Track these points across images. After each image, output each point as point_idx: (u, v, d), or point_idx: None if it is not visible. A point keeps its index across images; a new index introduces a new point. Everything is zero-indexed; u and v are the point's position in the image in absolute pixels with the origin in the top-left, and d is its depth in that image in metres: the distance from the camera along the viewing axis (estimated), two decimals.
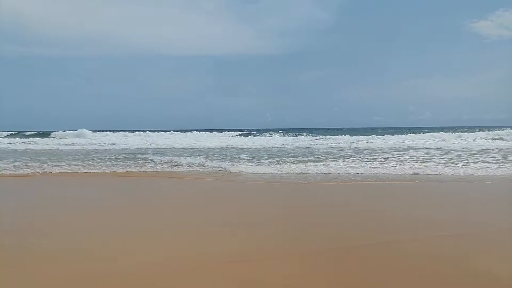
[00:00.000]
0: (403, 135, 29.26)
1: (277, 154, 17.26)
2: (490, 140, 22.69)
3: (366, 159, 13.41)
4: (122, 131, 42.87)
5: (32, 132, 46.47)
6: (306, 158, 14.21)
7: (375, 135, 30.00)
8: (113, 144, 27.10)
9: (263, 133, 42.95)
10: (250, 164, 12.63)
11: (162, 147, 24.17)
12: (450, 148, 19.07)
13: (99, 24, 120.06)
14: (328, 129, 67.39)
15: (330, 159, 13.55)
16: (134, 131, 43.60)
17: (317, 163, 12.13)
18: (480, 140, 23.22)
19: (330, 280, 3.25)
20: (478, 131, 30.76)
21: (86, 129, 39.31)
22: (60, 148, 23.30)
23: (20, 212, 6.21)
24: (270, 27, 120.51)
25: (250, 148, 22.36)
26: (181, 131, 46.73)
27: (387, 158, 13.93)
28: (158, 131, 45.26)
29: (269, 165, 12.15)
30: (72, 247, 4.24)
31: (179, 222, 5.52)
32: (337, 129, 67.53)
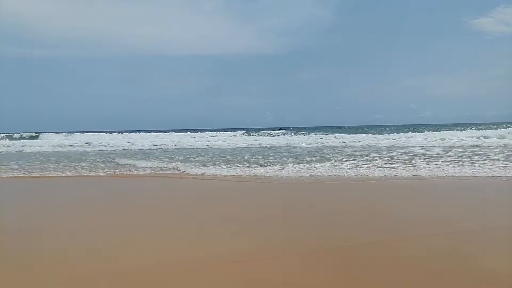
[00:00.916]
0: (407, 133, 29.06)
1: (283, 154, 17.20)
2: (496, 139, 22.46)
3: (374, 159, 13.34)
4: (125, 131, 42.77)
5: (18, 134, 44.12)
6: (314, 158, 14.15)
7: (386, 134, 29.71)
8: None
9: (262, 132, 42.65)
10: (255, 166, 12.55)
11: (153, 147, 24.11)
12: (462, 146, 19.01)
13: (99, 25, 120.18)
14: (331, 127, 67.33)
15: (338, 159, 13.47)
16: (136, 131, 43.54)
17: (328, 163, 12.06)
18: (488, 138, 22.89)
19: (332, 278, 3.26)
20: (485, 130, 30.64)
21: (87, 130, 39.26)
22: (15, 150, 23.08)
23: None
24: (270, 26, 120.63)
25: (253, 147, 22.31)
26: (180, 131, 46.48)
27: (393, 156, 13.87)
28: (158, 131, 45.13)
29: (273, 165, 12.07)
30: (67, 249, 4.25)
31: (179, 222, 5.53)
32: (339, 127, 67.53)
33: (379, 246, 4.09)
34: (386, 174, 9.69)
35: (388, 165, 11.14)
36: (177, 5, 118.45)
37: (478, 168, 10.16)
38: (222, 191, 8.50)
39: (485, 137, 22.71)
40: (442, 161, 11.86)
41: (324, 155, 15.46)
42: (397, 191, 8.06)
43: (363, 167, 10.82)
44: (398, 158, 13.34)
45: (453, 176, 9.26)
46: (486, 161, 11.55)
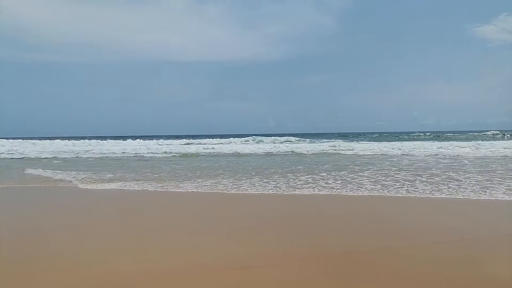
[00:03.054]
0: (424, 141, 28.63)
1: (295, 162, 16.97)
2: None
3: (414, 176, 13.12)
4: (132, 136, 42.52)
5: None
6: (328, 165, 13.95)
7: (392, 142, 29.46)
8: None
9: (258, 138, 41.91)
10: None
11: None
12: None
13: (100, 30, 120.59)
14: (338, 133, 67.21)
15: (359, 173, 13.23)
16: (138, 137, 43.40)
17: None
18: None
19: (326, 286, 3.23)
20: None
21: (86, 135, 38.72)
22: None
23: None
24: (273, 32, 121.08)
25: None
26: (180, 137, 46.21)
27: (416, 166, 13.70)
28: (157, 137, 44.86)
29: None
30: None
31: (173, 230, 5.46)
32: (344, 134, 67.43)
33: (376, 253, 4.08)
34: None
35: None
36: (180, 11, 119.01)
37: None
38: (220, 197, 8.26)
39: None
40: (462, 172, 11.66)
41: (336, 162, 15.27)
42: (389, 200, 7.72)
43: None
44: (418, 167, 13.13)
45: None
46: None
